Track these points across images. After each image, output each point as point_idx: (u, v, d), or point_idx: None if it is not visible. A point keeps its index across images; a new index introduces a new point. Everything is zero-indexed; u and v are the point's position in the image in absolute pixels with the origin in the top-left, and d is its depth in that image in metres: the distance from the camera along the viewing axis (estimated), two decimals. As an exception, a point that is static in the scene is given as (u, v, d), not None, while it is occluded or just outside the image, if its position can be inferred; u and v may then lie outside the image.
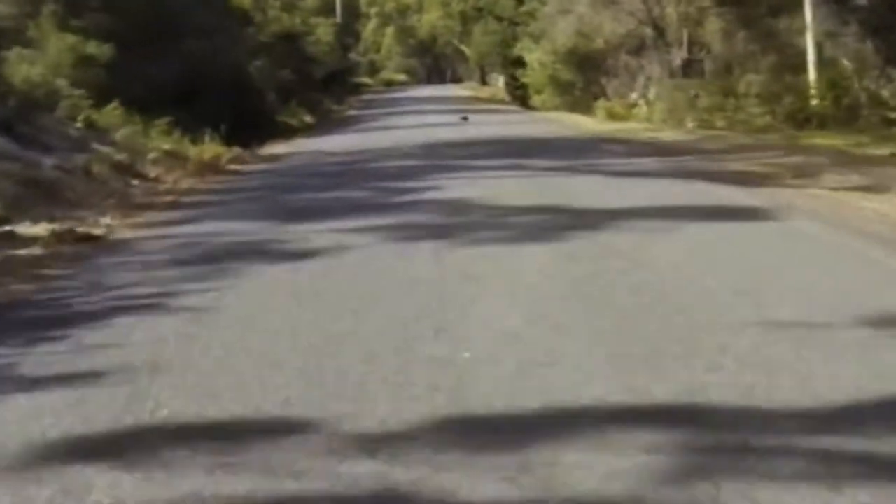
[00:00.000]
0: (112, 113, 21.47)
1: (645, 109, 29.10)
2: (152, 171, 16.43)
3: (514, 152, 15.67)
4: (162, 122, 21.71)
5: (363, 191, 11.79)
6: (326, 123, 34.63)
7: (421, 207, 10.04)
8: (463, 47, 64.39)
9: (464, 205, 10.04)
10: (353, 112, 41.96)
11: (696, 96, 28.03)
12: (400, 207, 10.14)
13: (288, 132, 32.25)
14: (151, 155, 17.43)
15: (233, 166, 16.68)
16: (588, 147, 16.19)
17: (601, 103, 28.02)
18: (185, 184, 14.18)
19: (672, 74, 31.19)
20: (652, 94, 30.38)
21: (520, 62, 42.34)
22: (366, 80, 66.42)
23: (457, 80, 71.86)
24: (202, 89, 28.20)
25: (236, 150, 22.65)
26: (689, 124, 24.44)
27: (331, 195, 11.55)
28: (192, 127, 23.29)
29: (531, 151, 15.65)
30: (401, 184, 12.15)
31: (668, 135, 17.96)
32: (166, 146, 20.55)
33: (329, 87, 50.45)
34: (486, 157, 15.14)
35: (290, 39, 43.12)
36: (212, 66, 29.52)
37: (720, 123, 22.40)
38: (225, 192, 13.02)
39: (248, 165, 16.76)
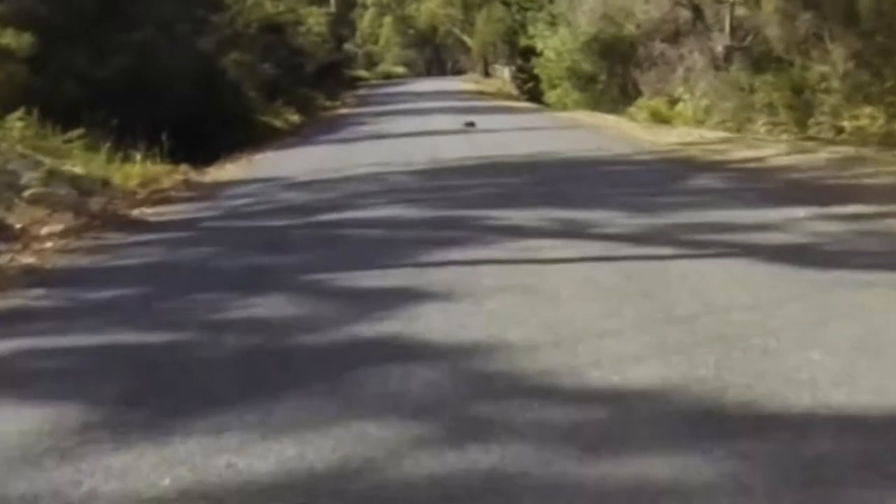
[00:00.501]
0: (12, 125, 15.78)
1: (690, 107, 23.33)
2: (23, 218, 10.69)
3: (560, 191, 9.89)
4: (75, 134, 16.04)
5: (304, 298, 6.02)
6: (311, 126, 28.83)
7: (409, 393, 4.26)
8: (464, 37, 58.54)
9: (511, 380, 4.28)
10: (344, 111, 36.10)
11: (752, 90, 22.30)
12: (364, 384, 4.37)
13: (269, 136, 26.55)
14: (29, 191, 11.69)
15: (143, 209, 10.91)
16: (672, 179, 10.35)
17: (643, 102, 22.17)
18: (36, 254, 8.39)
19: (715, 65, 25.44)
20: (699, 89, 24.59)
21: (529, 52, 36.51)
22: (362, 73, 60.52)
23: (458, 71, 65.91)
24: (158, 89, 22.57)
25: (182, 170, 17.09)
26: (761, 129, 18.68)
27: (240, 315, 5.78)
28: (139, 136, 17.80)
29: (585, 189, 9.91)
30: (374, 279, 6.38)
31: (773, 153, 12.12)
32: (77, 170, 14.90)
33: (322, 82, 44.64)
34: (517, 201, 9.38)
35: (276, 30, 37.35)
36: (171, 61, 23.83)
37: (809, 129, 16.73)
38: (82, 280, 7.25)
39: (168, 208, 11.01)
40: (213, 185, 13.26)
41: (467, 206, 9.22)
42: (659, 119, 20.17)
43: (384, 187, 11.17)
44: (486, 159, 13.40)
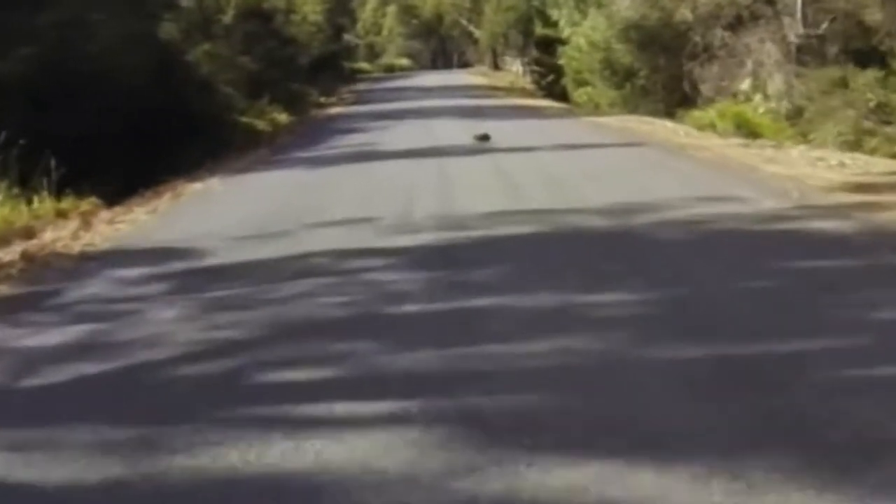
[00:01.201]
0: None
1: (761, 108, 17.34)
2: None
3: (783, 386, 3.84)
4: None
5: None
6: (295, 132, 22.93)
7: None
8: (472, 28, 52.42)
9: None
10: (339, 109, 30.08)
11: (845, 85, 16.43)
12: None
13: (246, 141, 20.70)
14: None
15: None
16: None
17: (726, 106, 16.07)
18: None
19: (794, 57, 19.48)
20: (771, 87, 18.61)
21: (548, 42, 30.47)
22: (364, 65, 54.38)
23: (464, 64, 59.66)
24: (96, 91, 16.80)
25: (84, 208, 11.52)
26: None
27: None
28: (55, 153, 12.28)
29: (844, 378, 3.90)
30: None
31: None
32: None
33: (317, 76, 38.60)
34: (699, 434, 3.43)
35: (262, 17, 31.32)
36: (118, 54, 17.95)
37: None
38: None
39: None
40: (72, 266, 7.32)
41: (561, 445, 3.26)
42: (747, 130, 14.18)
43: (349, 308, 5.20)
44: (537, 219, 7.43)
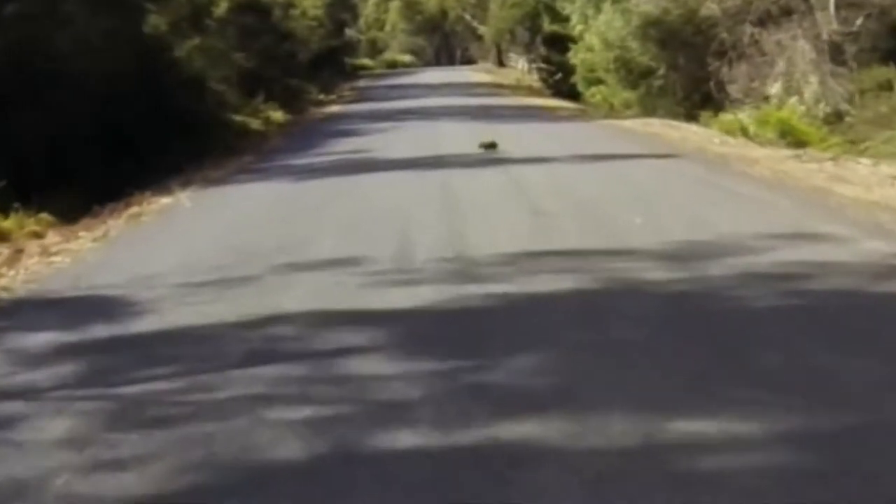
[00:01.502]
0: None
1: (795, 111, 15.43)
2: None
3: None
4: None
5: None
6: (291, 131, 21.09)
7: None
8: (475, 24, 50.47)
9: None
10: (337, 108, 28.15)
11: (890, 88, 14.63)
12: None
13: (238, 143, 18.91)
14: None
15: None
16: None
17: (766, 112, 14.11)
18: None
19: (831, 57, 17.62)
20: (807, 89, 16.72)
21: (557, 39, 28.59)
22: (366, 61, 52.37)
23: (468, 60, 57.61)
24: (68, 90, 15.08)
25: (32, 227, 9.82)
26: None
27: None
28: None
29: None
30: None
31: None
32: None
33: (316, 73, 36.69)
34: None
35: (259, 11, 29.43)
36: (94, 49, 16.13)
37: None
38: None
39: None
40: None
41: None
42: (791, 138, 12.29)
43: (313, 435, 3.32)
44: (575, 267, 5.58)
